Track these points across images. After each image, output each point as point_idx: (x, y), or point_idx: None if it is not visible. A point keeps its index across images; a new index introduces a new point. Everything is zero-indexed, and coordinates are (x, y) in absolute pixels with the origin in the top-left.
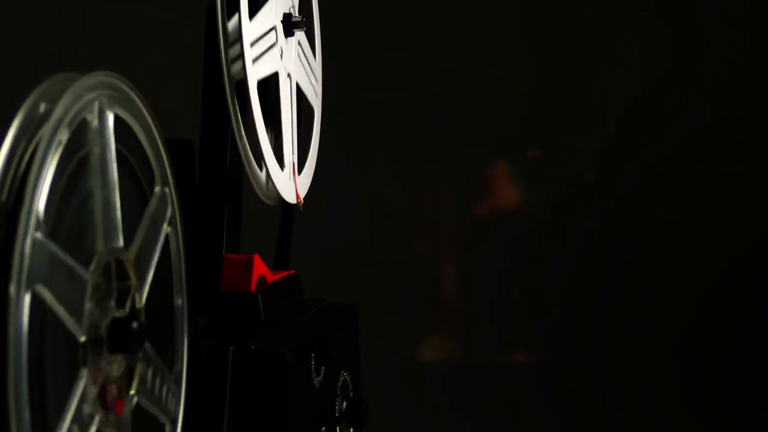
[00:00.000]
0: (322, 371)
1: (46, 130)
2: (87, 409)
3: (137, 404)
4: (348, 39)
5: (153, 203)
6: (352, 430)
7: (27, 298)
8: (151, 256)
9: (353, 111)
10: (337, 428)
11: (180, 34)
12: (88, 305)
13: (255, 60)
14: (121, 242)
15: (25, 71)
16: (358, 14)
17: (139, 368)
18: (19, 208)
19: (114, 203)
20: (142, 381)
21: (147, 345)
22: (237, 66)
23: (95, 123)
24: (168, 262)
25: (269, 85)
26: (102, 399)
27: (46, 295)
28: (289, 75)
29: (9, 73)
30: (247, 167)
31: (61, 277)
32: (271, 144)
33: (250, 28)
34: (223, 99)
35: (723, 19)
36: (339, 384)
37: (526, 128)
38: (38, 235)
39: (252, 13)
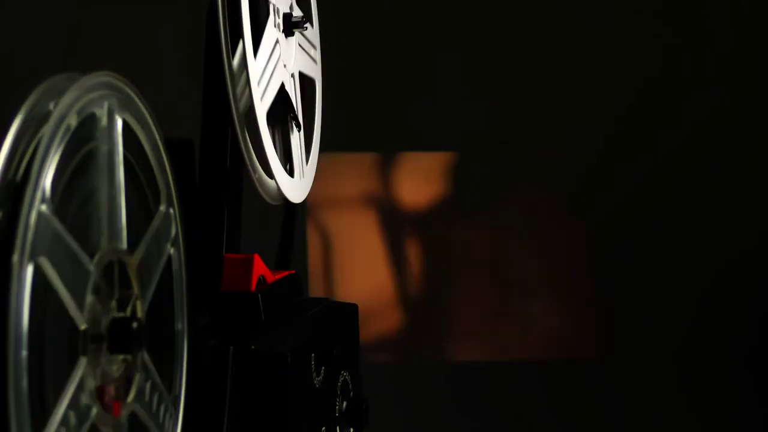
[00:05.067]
0: (323, 371)
1: (54, 115)
2: (84, 399)
3: (134, 414)
4: (348, 39)
5: (157, 221)
6: (352, 430)
7: (30, 269)
8: (153, 269)
9: (353, 111)
10: (337, 428)
11: (180, 34)
12: (89, 298)
13: (263, 96)
14: (124, 244)
15: (25, 71)
16: (358, 16)
17: (137, 378)
18: (26, 182)
19: (119, 204)
20: (141, 392)
21: (146, 357)
22: (245, 99)
23: (104, 121)
24: (169, 286)
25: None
26: (100, 395)
27: (49, 270)
28: (292, 75)
29: (9, 73)
30: (248, 167)
31: (65, 257)
32: (272, 142)
33: (256, 66)
34: (223, 98)
35: (725, 17)
36: (339, 384)
37: (526, 128)
38: (44, 208)
39: (252, 11)
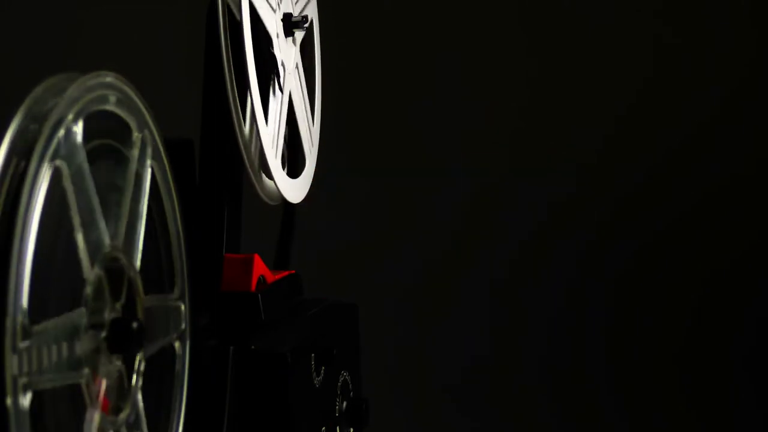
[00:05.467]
0: (323, 371)
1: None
2: (78, 350)
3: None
4: (348, 39)
5: (135, 151)
6: (352, 430)
7: (47, 171)
8: (139, 201)
9: (353, 110)
10: (337, 428)
11: (180, 34)
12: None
13: (276, 154)
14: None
15: (25, 71)
16: (358, 17)
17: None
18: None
19: (140, 226)
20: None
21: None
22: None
23: (137, 136)
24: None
25: (270, 84)
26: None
27: (68, 183)
28: (290, 74)
29: (9, 73)
30: (248, 167)
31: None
32: (271, 142)
33: (267, 132)
34: (223, 98)
35: (725, 17)
36: (339, 384)
37: (526, 128)
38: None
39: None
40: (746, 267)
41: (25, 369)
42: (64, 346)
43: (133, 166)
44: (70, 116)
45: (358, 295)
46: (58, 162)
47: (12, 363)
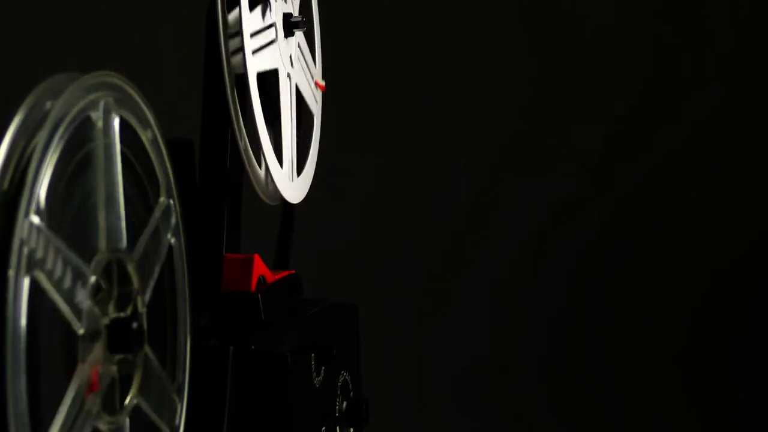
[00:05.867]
0: (323, 371)
1: (50, 118)
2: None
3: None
4: (348, 39)
5: (157, 213)
6: (352, 430)
7: (26, 282)
8: (154, 261)
9: (353, 111)
10: (337, 428)
11: (180, 34)
12: (87, 304)
13: (255, 51)
14: (124, 243)
15: (25, 71)
16: (358, 17)
17: (138, 373)
18: (19, 194)
19: (118, 201)
20: (143, 386)
21: (148, 350)
22: (237, 58)
23: (100, 122)
24: (171, 274)
25: (269, 85)
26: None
27: (45, 283)
28: (288, 75)
29: (8, 73)
30: (247, 167)
31: (61, 267)
32: (271, 142)
33: (251, 20)
34: (223, 98)
35: (725, 17)
36: (339, 384)
37: (526, 128)
38: (36, 220)
39: (252, 9)
40: (746, 267)
41: (33, 245)
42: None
43: (100, 147)
44: (74, 113)
45: (358, 295)
46: (34, 272)
47: (23, 228)
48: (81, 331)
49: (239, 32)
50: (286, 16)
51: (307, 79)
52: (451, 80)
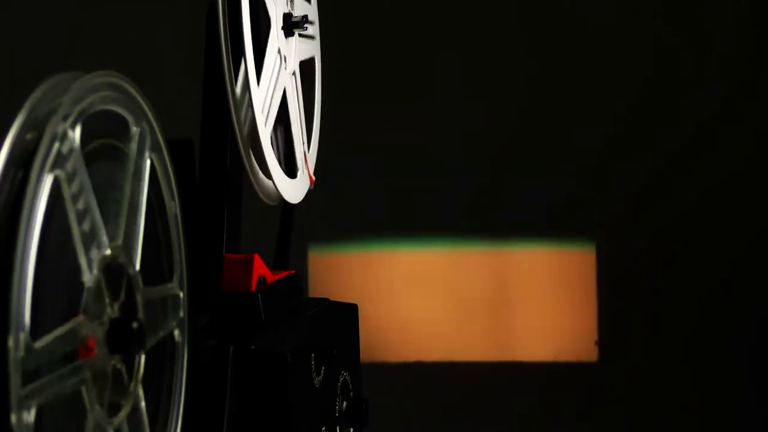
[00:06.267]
0: (323, 371)
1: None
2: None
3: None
4: (348, 39)
5: (132, 145)
6: (352, 430)
7: (49, 179)
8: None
9: (353, 110)
10: (337, 428)
11: (180, 34)
12: (96, 274)
13: (266, 122)
14: (136, 258)
15: (25, 71)
16: (358, 17)
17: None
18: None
19: (140, 226)
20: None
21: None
22: (248, 121)
23: (135, 130)
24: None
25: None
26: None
27: (65, 189)
28: (294, 72)
29: (9, 73)
30: (247, 167)
31: (84, 202)
32: (274, 143)
33: (259, 94)
34: (223, 98)
35: (725, 17)
36: (339, 384)
37: (526, 128)
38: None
39: (252, 10)
40: (746, 267)
41: (29, 386)
42: (67, 355)
43: (132, 156)
44: (68, 122)
45: (358, 296)
46: (57, 171)
47: (17, 382)
48: (88, 285)
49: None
50: (286, 17)
51: (305, 34)
52: (451, 80)
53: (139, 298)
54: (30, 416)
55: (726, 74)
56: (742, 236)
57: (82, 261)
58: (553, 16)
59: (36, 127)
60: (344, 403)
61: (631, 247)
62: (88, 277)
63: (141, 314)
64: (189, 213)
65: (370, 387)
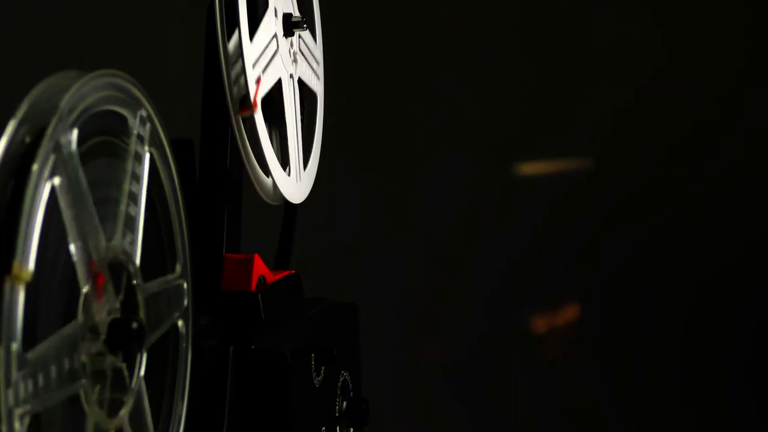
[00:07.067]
0: (323, 371)
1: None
2: (76, 363)
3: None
4: (348, 39)
5: (132, 139)
6: (352, 430)
7: (48, 185)
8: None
9: (353, 111)
10: (337, 428)
11: (180, 34)
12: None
13: (275, 148)
14: (136, 259)
15: (25, 71)
16: (358, 17)
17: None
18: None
19: (138, 226)
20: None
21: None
22: (240, 83)
23: (136, 129)
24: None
25: (271, 88)
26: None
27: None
28: (291, 75)
29: (8, 72)
30: (247, 167)
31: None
32: (274, 144)
33: (251, 49)
34: (223, 98)
35: (725, 17)
36: (339, 384)
37: (526, 129)
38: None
39: (251, 9)
40: (746, 267)
41: (21, 398)
42: (63, 362)
43: (132, 148)
44: (66, 126)
45: (358, 295)
46: (55, 179)
47: (7, 397)
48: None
49: (240, 60)
50: (286, 17)
51: (310, 64)
52: (451, 80)
53: (139, 295)
54: (23, 427)
55: (726, 74)
56: (742, 236)
57: (79, 265)
58: (553, 17)
59: (33, 131)
60: (344, 403)
61: (631, 247)
62: (84, 283)
63: (141, 312)
64: (189, 213)
65: (370, 387)
